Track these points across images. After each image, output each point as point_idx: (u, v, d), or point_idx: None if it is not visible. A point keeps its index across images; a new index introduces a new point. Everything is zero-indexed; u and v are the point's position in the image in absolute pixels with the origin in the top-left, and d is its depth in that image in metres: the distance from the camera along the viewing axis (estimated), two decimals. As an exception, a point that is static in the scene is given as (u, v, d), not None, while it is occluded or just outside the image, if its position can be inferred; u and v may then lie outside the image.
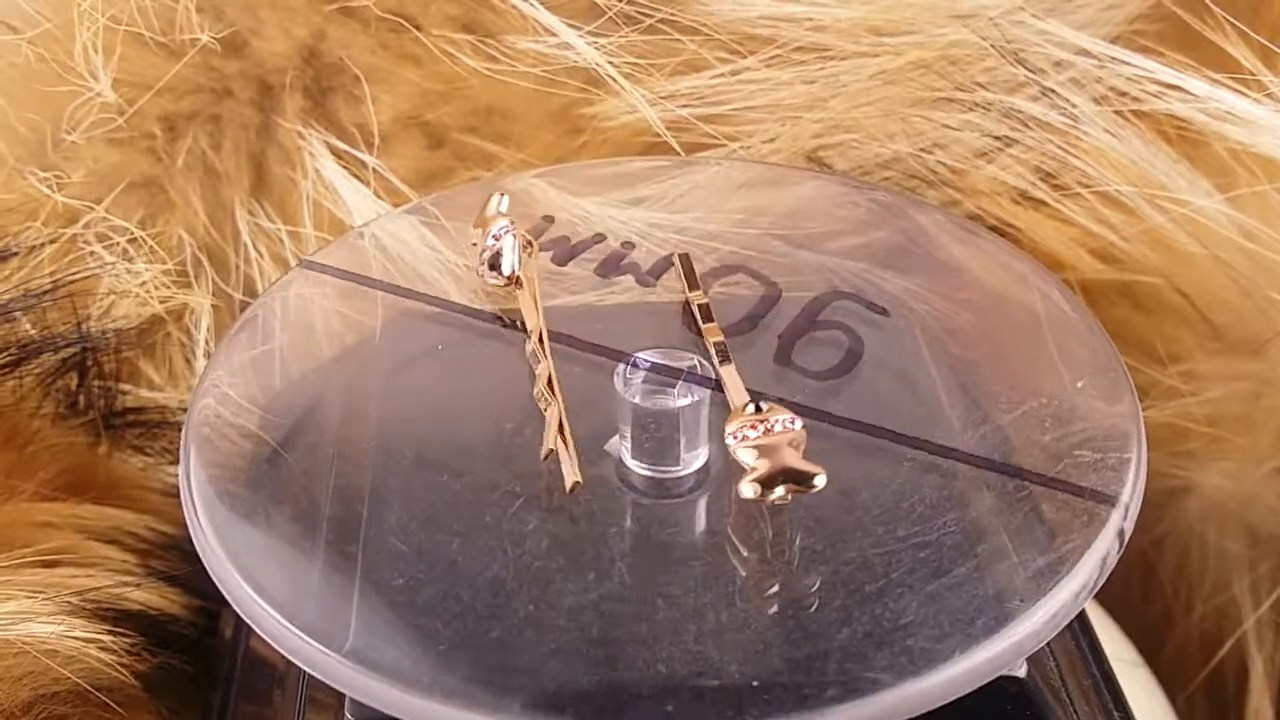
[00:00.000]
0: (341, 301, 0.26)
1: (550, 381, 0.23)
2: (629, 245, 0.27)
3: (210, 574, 0.21)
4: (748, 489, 0.20)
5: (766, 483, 0.20)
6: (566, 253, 0.27)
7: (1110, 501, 0.21)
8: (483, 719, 0.18)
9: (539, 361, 0.23)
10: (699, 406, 0.22)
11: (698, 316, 0.24)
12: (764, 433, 0.21)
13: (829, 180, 0.29)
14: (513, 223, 0.26)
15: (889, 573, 0.20)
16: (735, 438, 0.21)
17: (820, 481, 0.20)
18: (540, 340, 0.24)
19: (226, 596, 0.20)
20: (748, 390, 0.22)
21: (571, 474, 0.21)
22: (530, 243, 0.26)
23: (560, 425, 0.22)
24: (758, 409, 0.21)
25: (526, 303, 0.25)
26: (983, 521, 0.21)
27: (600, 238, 0.27)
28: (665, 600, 0.20)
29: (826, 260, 0.26)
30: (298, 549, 0.21)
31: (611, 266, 0.26)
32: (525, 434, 0.23)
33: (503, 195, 0.26)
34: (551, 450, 0.21)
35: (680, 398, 0.22)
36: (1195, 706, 0.32)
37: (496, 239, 0.25)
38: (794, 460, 0.20)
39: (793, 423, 0.21)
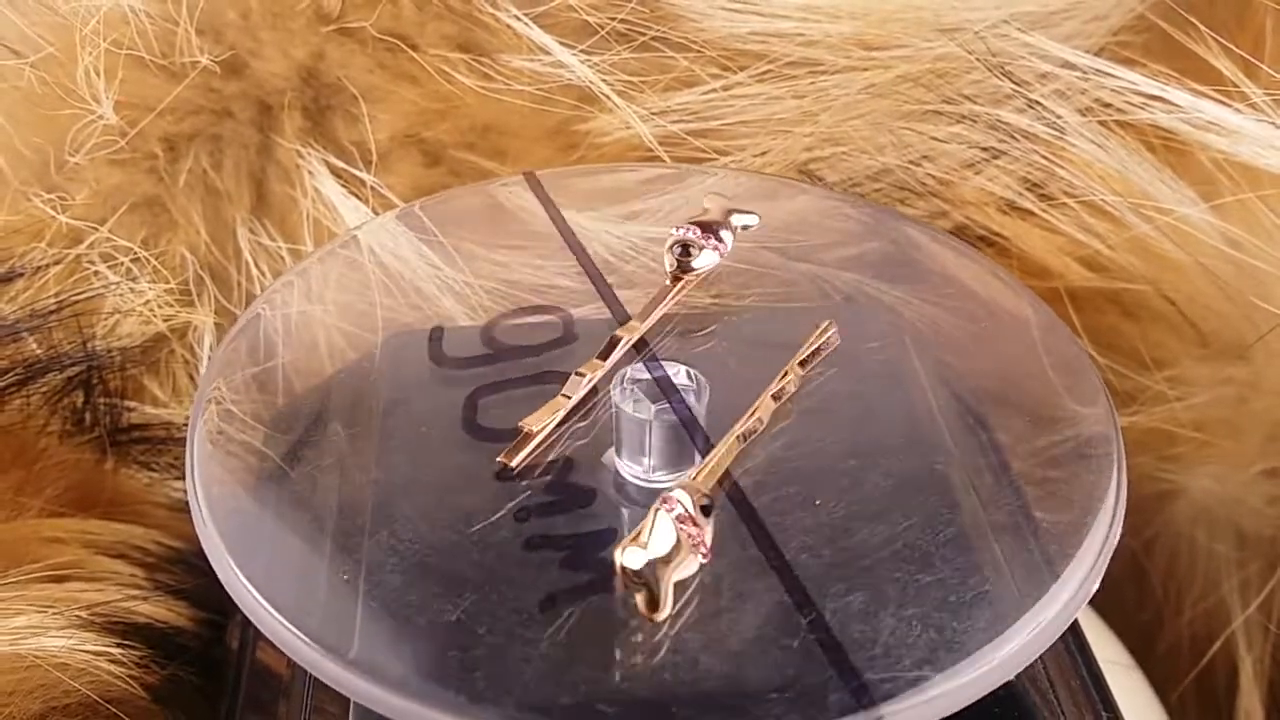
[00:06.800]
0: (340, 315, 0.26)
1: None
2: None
3: (214, 569, 0.21)
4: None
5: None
6: None
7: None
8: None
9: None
10: (693, 418, 0.22)
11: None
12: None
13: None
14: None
15: (882, 587, 0.20)
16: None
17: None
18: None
19: (230, 593, 0.21)
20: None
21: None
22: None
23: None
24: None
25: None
26: (971, 533, 0.21)
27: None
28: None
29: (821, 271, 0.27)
30: (305, 553, 0.21)
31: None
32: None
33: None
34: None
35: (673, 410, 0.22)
36: (1186, 707, 0.32)
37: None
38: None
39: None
